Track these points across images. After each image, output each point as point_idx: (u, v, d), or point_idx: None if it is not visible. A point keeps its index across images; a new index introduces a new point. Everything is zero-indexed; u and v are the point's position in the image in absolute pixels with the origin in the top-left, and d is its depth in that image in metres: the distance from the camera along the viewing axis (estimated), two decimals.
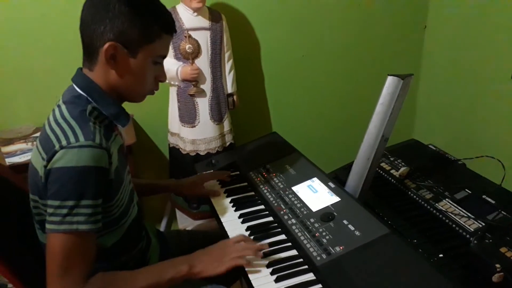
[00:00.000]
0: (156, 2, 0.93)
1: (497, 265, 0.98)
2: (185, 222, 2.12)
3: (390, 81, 1.10)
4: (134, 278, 0.91)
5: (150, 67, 0.94)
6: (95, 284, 0.85)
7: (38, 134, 1.82)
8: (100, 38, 0.87)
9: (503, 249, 1.04)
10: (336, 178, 1.35)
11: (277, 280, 0.93)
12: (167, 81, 1.85)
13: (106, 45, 0.86)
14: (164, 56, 0.98)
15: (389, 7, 2.35)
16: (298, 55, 2.29)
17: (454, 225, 1.15)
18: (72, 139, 0.83)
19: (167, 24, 0.93)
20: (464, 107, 2.29)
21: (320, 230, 1.05)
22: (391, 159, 1.49)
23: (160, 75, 0.98)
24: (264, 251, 1.02)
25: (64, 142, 0.83)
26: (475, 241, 1.08)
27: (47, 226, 0.83)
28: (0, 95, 1.87)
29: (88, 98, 0.91)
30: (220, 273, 0.96)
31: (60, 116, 0.88)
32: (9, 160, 1.63)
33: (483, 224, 1.13)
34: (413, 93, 2.60)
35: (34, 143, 1.75)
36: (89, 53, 0.91)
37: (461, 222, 1.15)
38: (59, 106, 0.91)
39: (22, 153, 1.68)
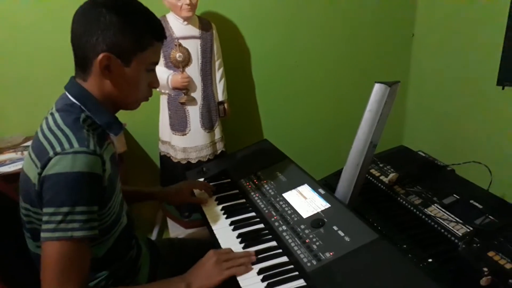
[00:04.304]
0: (146, 11, 0.93)
1: (485, 269, 0.99)
2: (176, 231, 2.12)
3: (377, 88, 1.12)
4: None
5: (143, 75, 0.95)
6: None
7: (28, 144, 1.81)
8: (93, 50, 0.88)
9: (490, 253, 1.05)
10: (326, 185, 1.36)
11: (268, 287, 0.94)
12: (158, 90, 1.86)
13: (100, 56, 0.87)
14: (156, 63, 0.99)
15: (377, 15, 2.39)
16: (288, 64, 2.31)
17: (442, 230, 1.17)
18: (66, 146, 0.83)
19: (158, 32, 0.94)
20: (452, 114, 2.32)
21: (311, 236, 1.05)
22: (381, 165, 1.50)
23: (153, 82, 1.00)
24: (253, 258, 1.02)
25: (58, 149, 0.83)
26: (463, 246, 1.10)
27: (42, 234, 0.82)
28: None
29: (82, 106, 0.92)
30: (217, 283, 0.96)
31: (53, 123, 0.88)
32: None
33: (471, 228, 1.14)
34: (402, 101, 2.64)
35: (24, 152, 1.74)
36: (82, 64, 0.91)
37: (450, 227, 1.16)
38: (52, 114, 0.91)
39: (12, 162, 1.66)
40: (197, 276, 0.97)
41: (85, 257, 0.85)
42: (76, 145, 0.83)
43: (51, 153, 0.83)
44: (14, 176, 1.38)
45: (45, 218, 0.82)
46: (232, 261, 1.00)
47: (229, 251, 1.05)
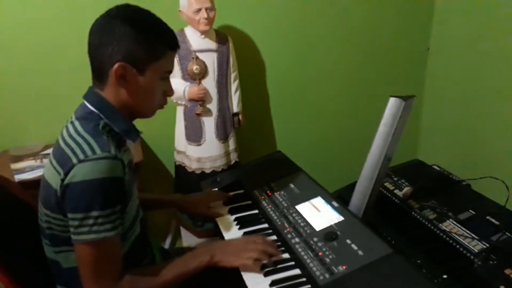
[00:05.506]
0: (159, 21, 0.96)
1: (501, 287, 0.97)
2: (189, 240, 2.13)
3: (392, 102, 1.12)
4: (159, 272, 0.96)
5: (158, 83, 0.98)
6: (125, 286, 0.91)
7: (47, 152, 1.85)
8: (109, 60, 0.90)
9: (507, 271, 1.03)
10: (339, 198, 1.35)
11: None
12: (174, 101, 1.89)
13: (116, 66, 0.90)
14: (170, 71, 1.01)
15: (392, 29, 2.39)
16: (303, 76, 2.33)
17: (458, 246, 1.15)
18: (89, 152, 0.86)
19: (171, 41, 0.96)
20: (468, 128, 2.29)
21: (323, 249, 1.05)
22: (395, 179, 1.49)
23: (168, 90, 1.02)
24: (271, 264, 1.04)
25: (81, 156, 0.86)
26: (479, 262, 1.08)
27: (75, 237, 0.87)
28: (10, 113, 1.91)
29: (100, 114, 0.94)
30: (235, 266, 1.02)
31: (74, 131, 0.91)
32: (18, 177, 1.65)
33: (487, 245, 1.12)
34: (417, 114, 2.62)
35: (44, 160, 1.78)
36: (99, 74, 0.94)
37: (465, 243, 1.14)
38: (72, 122, 0.94)
39: (31, 170, 1.70)
40: (222, 251, 1.03)
41: (118, 252, 0.92)
42: (98, 151, 0.86)
43: (74, 160, 0.86)
44: (33, 183, 1.41)
45: (75, 223, 0.86)
46: (255, 253, 1.02)
47: (263, 241, 1.07)
